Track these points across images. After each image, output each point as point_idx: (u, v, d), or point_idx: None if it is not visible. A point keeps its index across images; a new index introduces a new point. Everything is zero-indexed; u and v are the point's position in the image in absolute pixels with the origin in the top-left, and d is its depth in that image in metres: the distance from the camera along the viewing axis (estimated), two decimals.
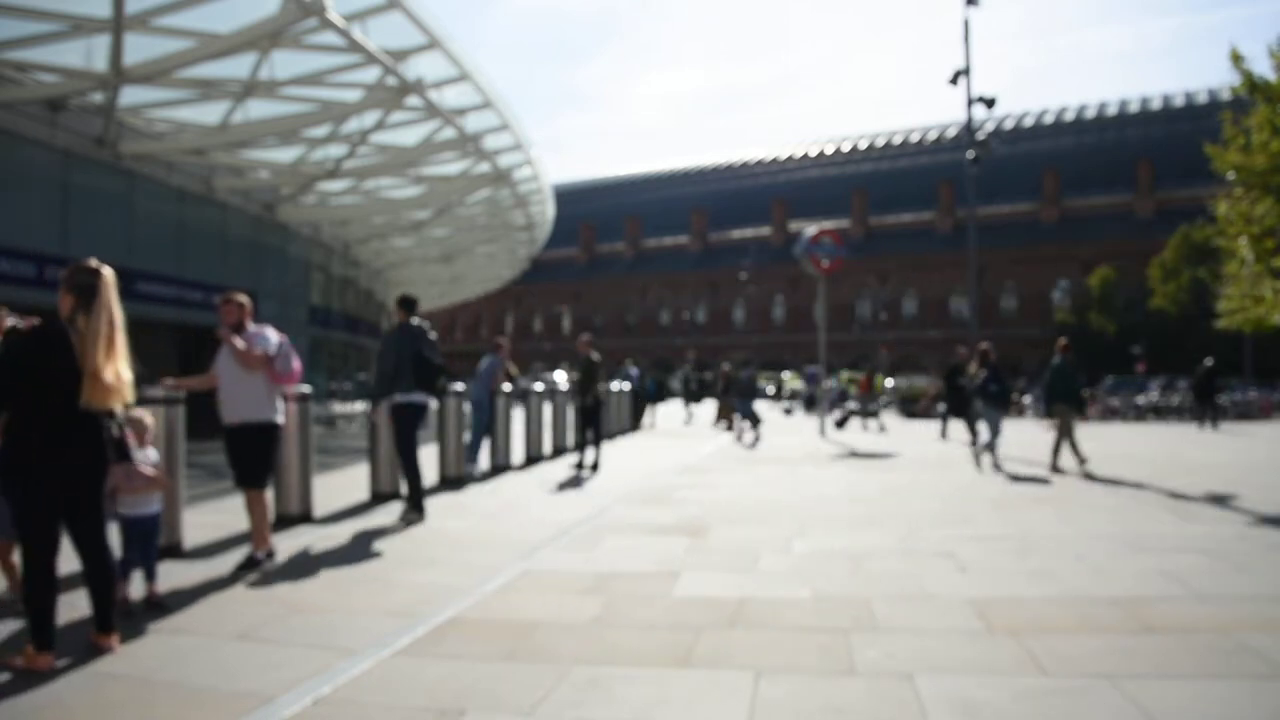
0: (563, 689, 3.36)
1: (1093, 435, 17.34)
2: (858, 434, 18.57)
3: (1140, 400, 27.33)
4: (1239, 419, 24.67)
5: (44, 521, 3.65)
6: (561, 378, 14.83)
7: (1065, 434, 10.78)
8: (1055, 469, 10.65)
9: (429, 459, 10.51)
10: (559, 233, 44.83)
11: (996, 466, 11.14)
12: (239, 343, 5.50)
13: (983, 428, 11.60)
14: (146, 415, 4.87)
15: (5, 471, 3.64)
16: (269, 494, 5.78)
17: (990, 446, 11.18)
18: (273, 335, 5.68)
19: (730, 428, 19.78)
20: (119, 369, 3.72)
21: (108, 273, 3.78)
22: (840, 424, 20.76)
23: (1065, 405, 10.98)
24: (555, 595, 4.84)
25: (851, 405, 22.78)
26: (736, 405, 18.20)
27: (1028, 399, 24.90)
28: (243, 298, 5.74)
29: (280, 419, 5.70)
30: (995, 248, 54.80)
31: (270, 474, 5.83)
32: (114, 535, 4.56)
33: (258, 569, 5.44)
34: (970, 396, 12.56)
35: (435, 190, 23.05)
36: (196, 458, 9.44)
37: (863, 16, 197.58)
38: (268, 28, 12.93)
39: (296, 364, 5.79)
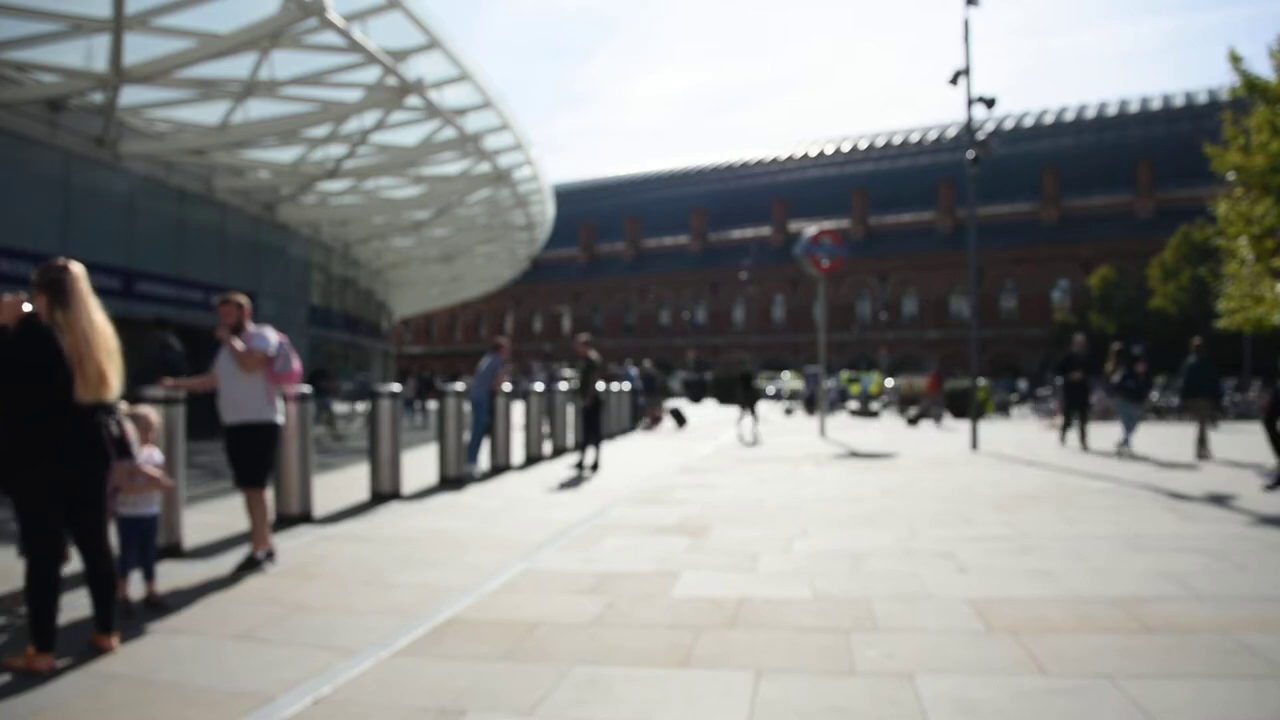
0: (563, 689, 3.36)
1: (1091, 435, 17.39)
2: (871, 432, 18.57)
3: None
4: (1239, 419, 24.65)
5: (48, 522, 3.65)
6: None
7: (1203, 425, 11.92)
8: (1202, 456, 11.65)
9: (429, 459, 10.53)
10: (559, 233, 44.86)
11: (1132, 456, 11.91)
12: (237, 344, 5.50)
13: (1117, 424, 12.94)
14: (152, 412, 4.85)
15: (8, 473, 3.63)
16: (269, 494, 5.79)
17: (1126, 440, 12.16)
18: (272, 335, 5.69)
19: (651, 426, 21.45)
20: (106, 361, 3.72)
21: (77, 267, 3.78)
22: (913, 421, 22.23)
23: (1200, 400, 12.18)
24: (555, 595, 4.84)
25: (913, 408, 24.07)
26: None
27: (1155, 395, 25.11)
28: (241, 298, 5.75)
29: (280, 419, 5.71)
30: (995, 248, 54.82)
31: (270, 474, 5.83)
32: (112, 535, 4.57)
33: (258, 569, 5.44)
34: (1082, 392, 13.68)
35: (435, 190, 23.07)
36: (196, 458, 9.45)
37: (863, 16, 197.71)
38: (268, 28, 12.93)
39: (296, 364, 5.80)
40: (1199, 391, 12.27)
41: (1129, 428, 12.25)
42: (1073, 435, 13.90)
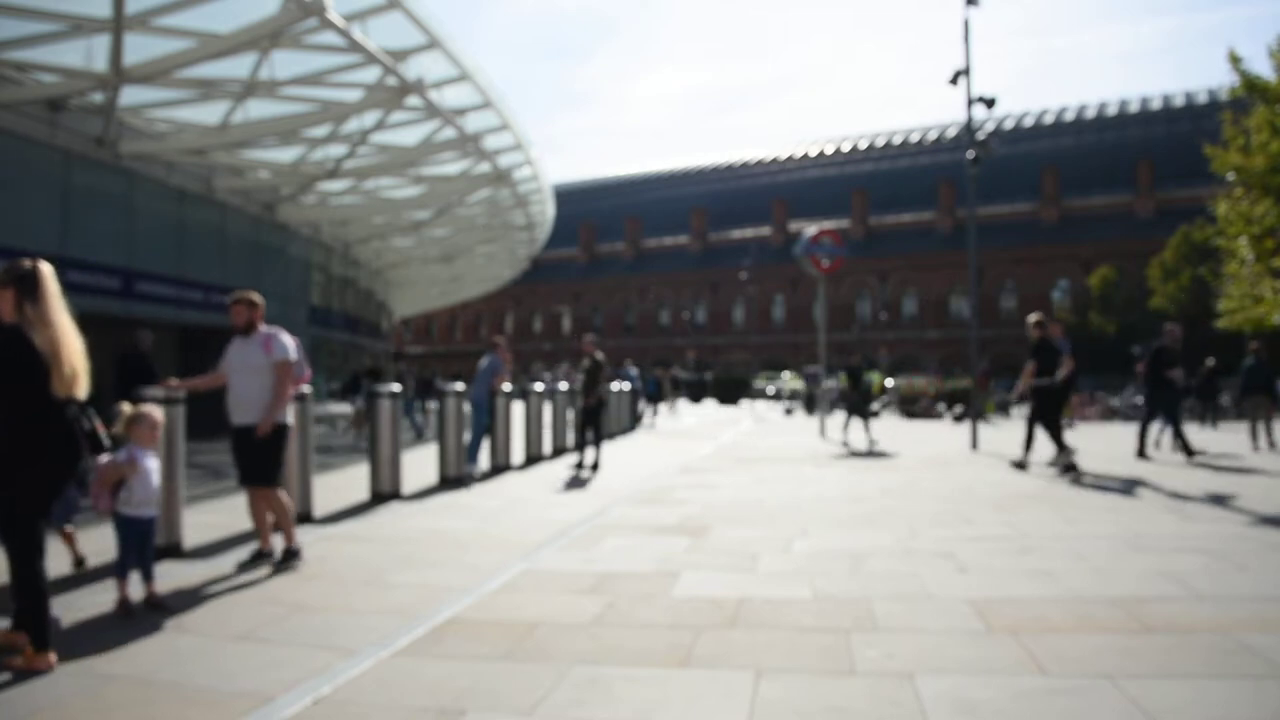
0: (563, 689, 3.36)
1: (1094, 435, 17.39)
2: (872, 432, 18.55)
3: (1140, 400, 27.36)
4: (1239, 419, 24.65)
5: (34, 520, 3.66)
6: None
7: (1262, 420, 13.23)
8: (1256, 449, 13.02)
9: (429, 459, 10.53)
10: (559, 233, 44.86)
11: (1163, 451, 12.74)
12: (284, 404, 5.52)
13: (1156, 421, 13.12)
14: (157, 411, 4.81)
15: (8, 473, 3.63)
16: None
17: (1175, 434, 12.61)
18: (288, 340, 5.66)
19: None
20: (77, 358, 3.73)
21: (46, 267, 3.78)
22: (960, 419, 23.29)
23: (1257, 398, 13.49)
24: (555, 595, 4.84)
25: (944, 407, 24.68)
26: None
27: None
28: (255, 297, 5.70)
29: (290, 420, 5.72)
30: (995, 248, 54.78)
31: (282, 471, 5.81)
32: (110, 535, 4.57)
33: (296, 560, 5.52)
34: (1175, 393, 13.11)
35: (435, 190, 23.08)
36: (196, 457, 9.45)
37: (863, 16, 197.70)
38: (268, 28, 12.94)
39: (307, 370, 5.82)
40: (1255, 389, 13.67)
41: (1173, 425, 12.75)
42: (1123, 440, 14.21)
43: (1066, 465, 9.99)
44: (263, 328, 5.66)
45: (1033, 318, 11.05)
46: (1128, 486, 9.05)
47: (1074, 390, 12.25)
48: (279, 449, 5.64)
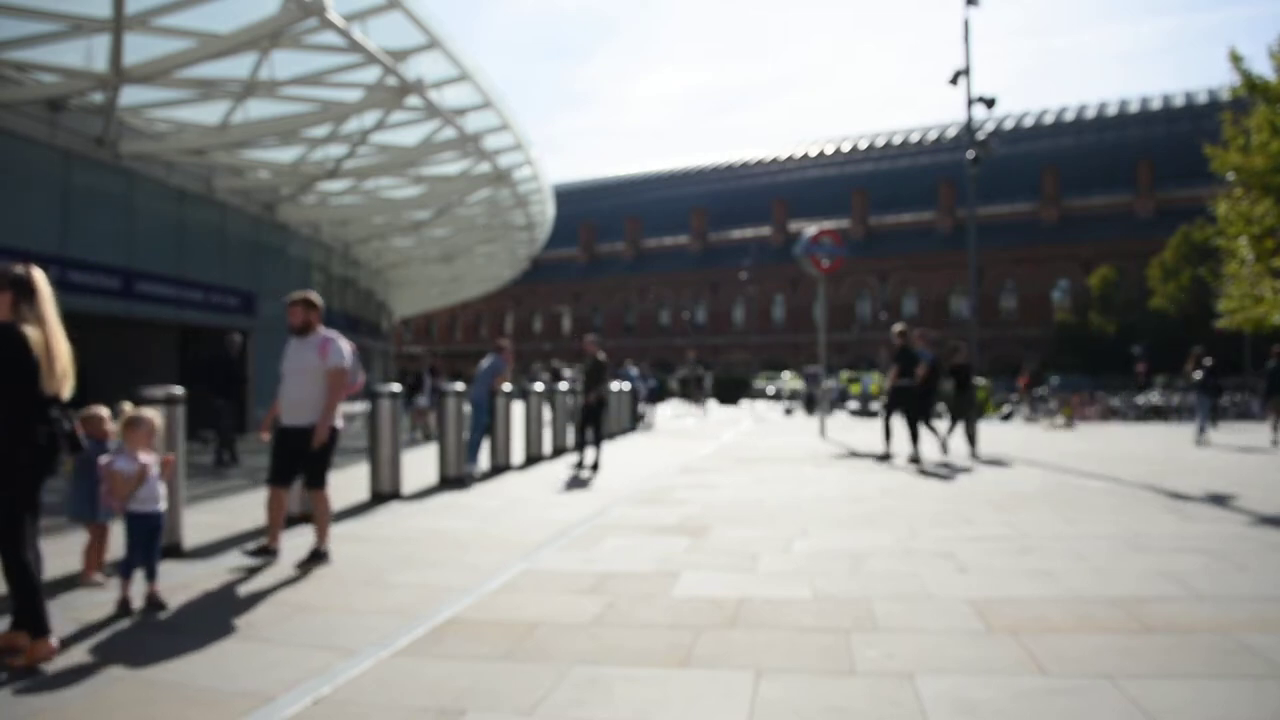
0: (563, 689, 3.36)
1: (1094, 434, 17.39)
2: (871, 432, 18.55)
3: (1140, 400, 27.43)
4: (1238, 419, 24.66)
5: (23, 513, 3.68)
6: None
7: None
8: (1277, 443, 14.28)
9: (429, 459, 10.52)
10: (559, 233, 44.83)
11: (1207, 444, 14.37)
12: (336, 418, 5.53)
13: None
14: (156, 415, 4.81)
15: (11, 471, 3.65)
16: (277, 494, 5.78)
17: (1201, 429, 15.07)
18: (344, 345, 5.65)
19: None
20: (67, 358, 3.79)
21: (38, 270, 3.85)
22: (1006, 419, 25.27)
23: None
24: (555, 595, 4.84)
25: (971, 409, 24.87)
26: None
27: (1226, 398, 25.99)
28: (313, 297, 5.67)
29: (341, 424, 5.75)
30: (995, 248, 54.77)
31: (329, 474, 5.81)
32: (118, 534, 4.58)
33: (324, 561, 5.54)
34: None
35: (435, 190, 23.05)
36: (196, 458, 9.45)
37: (863, 16, 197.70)
38: (268, 28, 12.92)
39: (361, 376, 5.83)
40: (1278, 390, 14.91)
41: (1204, 419, 15.04)
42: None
43: (911, 457, 11.72)
44: (321, 330, 5.64)
45: (896, 327, 12.76)
46: (1127, 486, 9.05)
47: (935, 396, 13.48)
48: (331, 452, 5.66)
